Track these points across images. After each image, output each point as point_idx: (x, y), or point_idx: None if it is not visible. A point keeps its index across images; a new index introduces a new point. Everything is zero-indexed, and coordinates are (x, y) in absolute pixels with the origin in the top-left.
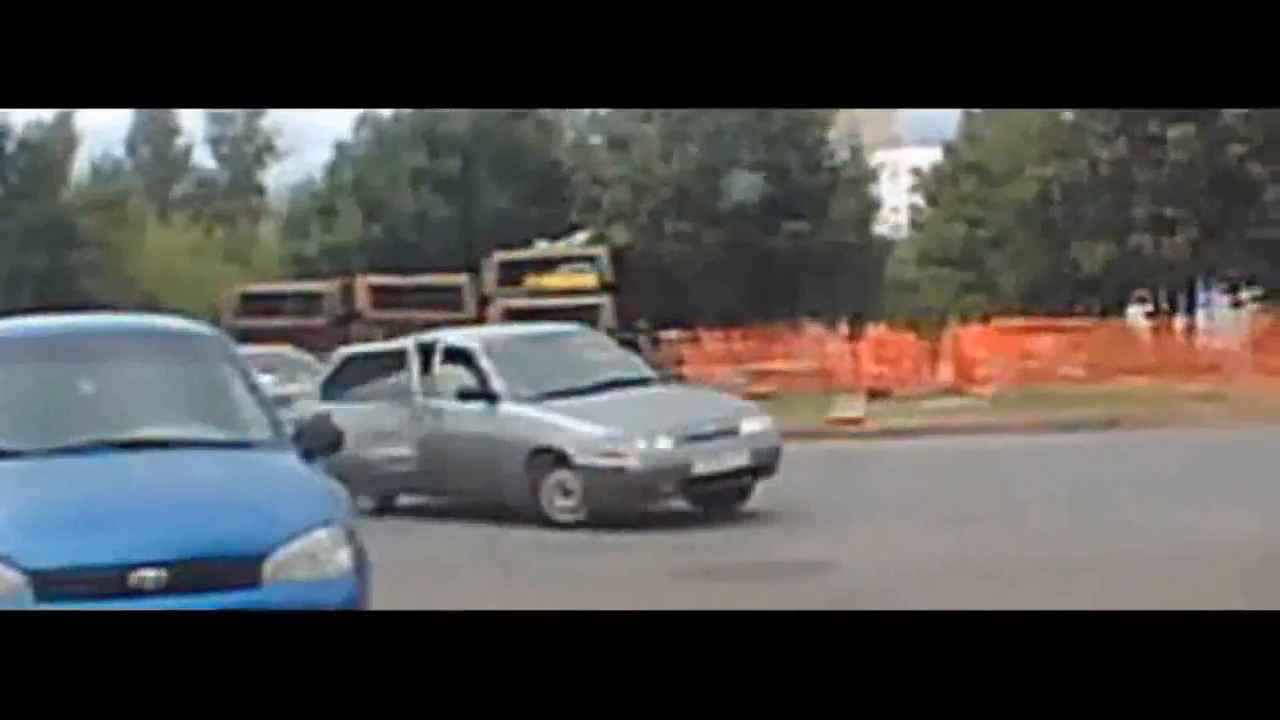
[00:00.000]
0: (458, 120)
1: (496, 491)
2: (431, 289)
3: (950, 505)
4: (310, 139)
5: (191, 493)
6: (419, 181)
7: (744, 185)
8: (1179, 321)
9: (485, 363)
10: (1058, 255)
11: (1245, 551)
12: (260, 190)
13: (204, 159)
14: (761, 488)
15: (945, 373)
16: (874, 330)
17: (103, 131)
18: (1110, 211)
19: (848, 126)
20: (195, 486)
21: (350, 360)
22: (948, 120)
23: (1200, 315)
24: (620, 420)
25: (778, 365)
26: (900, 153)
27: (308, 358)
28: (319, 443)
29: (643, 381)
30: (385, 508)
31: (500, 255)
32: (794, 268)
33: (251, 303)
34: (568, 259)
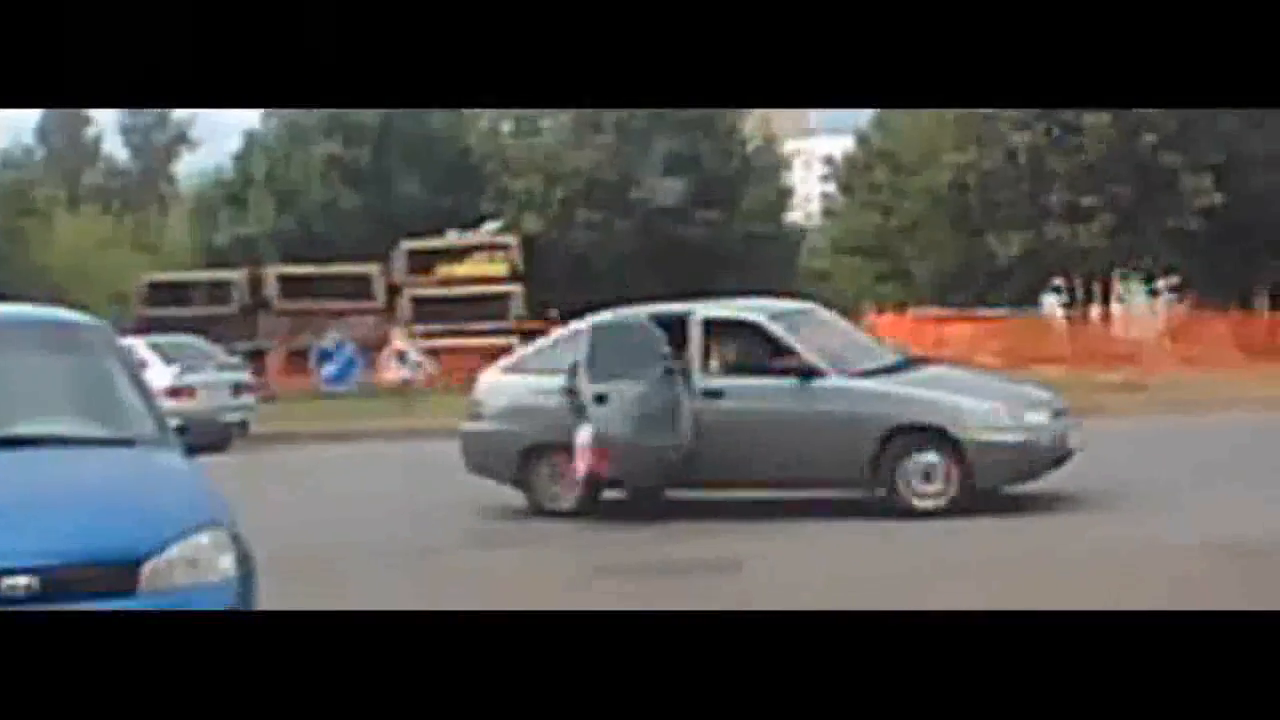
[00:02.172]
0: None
1: (824, 478)
2: (341, 278)
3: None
4: (222, 128)
5: (66, 494)
6: (330, 171)
7: (667, 189)
8: (1095, 310)
9: (788, 336)
10: (972, 244)
11: (1152, 552)
12: (171, 180)
13: (115, 148)
14: None
15: None
16: None
17: (13, 120)
18: (1026, 200)
19: (760, 116)
20: (70, 487)
21: (604, 330)
22: (860, 109)
23: (1116, 304)
24: (989, 394)
25: None
26: (812, 141)
27: (214, 348)
28: (206, 439)
29: (925, 360)
30: (586, 509)
31: (410, 244)
32: (707, 256)
33: (159, 292)
34: (479, 248)
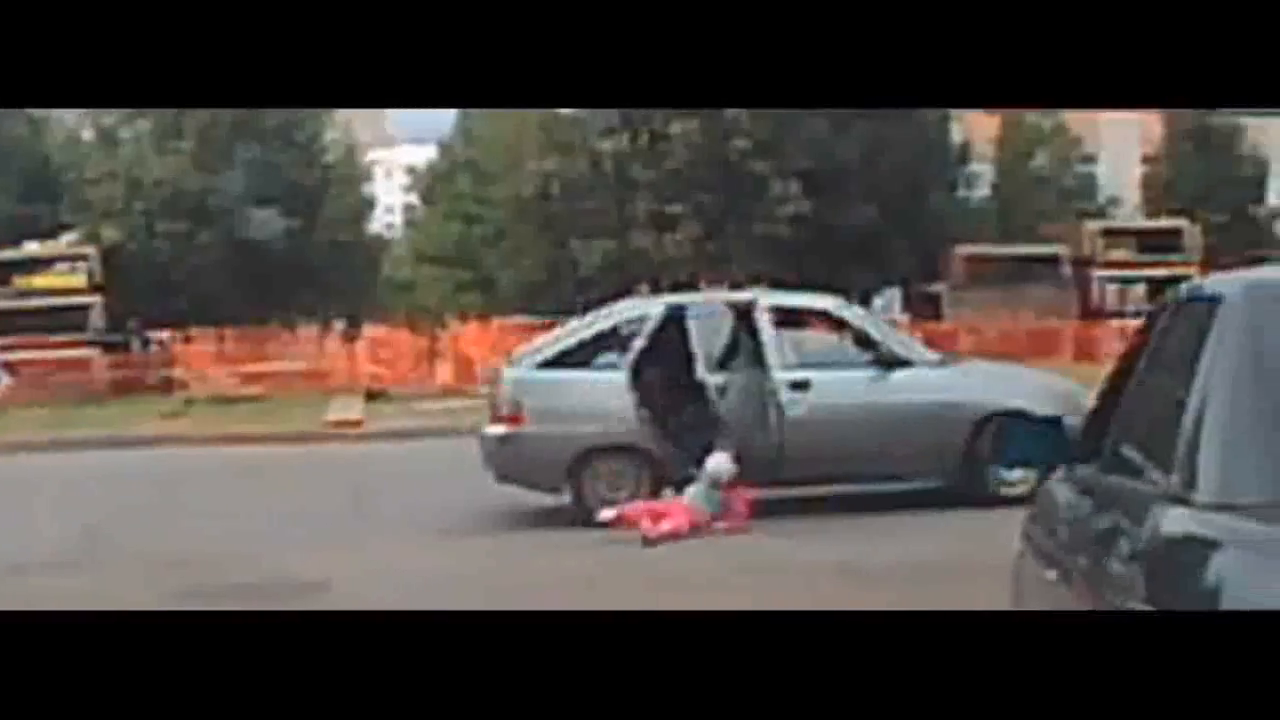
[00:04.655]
0: None
1: (915, 469)
2: None
3: (461, 512)
4: None
5: None
6: None
7: (264, 221)
8: None
9: (867, 325)
10: (557, 252)
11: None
12: None
13: None
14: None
15: (444, 372)
16: (370, 330)
17: None
18: (610, 208)
19: (342, 124)
20: None
21: (700, 320)
22: (443, 118)
23: None
24: (1046, 381)
25: (271, 366)
26: (394, 151)
27: None
28: None
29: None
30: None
31: None
32: (289, 266)
33: None
34: (57, 258)
